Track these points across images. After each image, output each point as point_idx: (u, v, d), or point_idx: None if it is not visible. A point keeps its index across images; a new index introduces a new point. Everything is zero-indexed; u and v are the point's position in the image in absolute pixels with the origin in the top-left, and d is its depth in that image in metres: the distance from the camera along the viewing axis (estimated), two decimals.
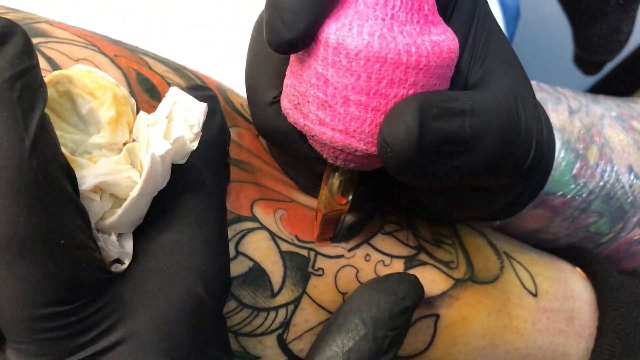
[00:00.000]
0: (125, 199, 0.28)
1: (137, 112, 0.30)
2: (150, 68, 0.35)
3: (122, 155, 0.29)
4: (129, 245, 0.30)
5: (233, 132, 0.36)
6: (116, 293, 0.28)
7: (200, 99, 0.31)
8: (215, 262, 0.29)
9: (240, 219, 0.34)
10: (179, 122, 0.30)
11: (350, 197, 0.33)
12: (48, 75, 0.29)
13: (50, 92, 0.29)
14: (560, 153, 0.40)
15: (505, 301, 0.39)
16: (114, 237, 0.29)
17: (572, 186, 0.41)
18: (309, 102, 0.29)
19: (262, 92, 0.32)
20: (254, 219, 0.34)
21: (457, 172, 0.29)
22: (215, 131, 0.31)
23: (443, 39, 0.28)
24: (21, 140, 0.24)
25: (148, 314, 0.27)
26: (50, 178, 0.25)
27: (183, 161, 0.30)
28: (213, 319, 0.29)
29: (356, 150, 0.29)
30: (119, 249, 0.29)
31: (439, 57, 0.28)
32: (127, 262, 0.29)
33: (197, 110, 0.30)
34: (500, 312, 0.38)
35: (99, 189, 0.29)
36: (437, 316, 0.37)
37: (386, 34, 0.27)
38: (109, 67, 0.34)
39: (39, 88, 0.26)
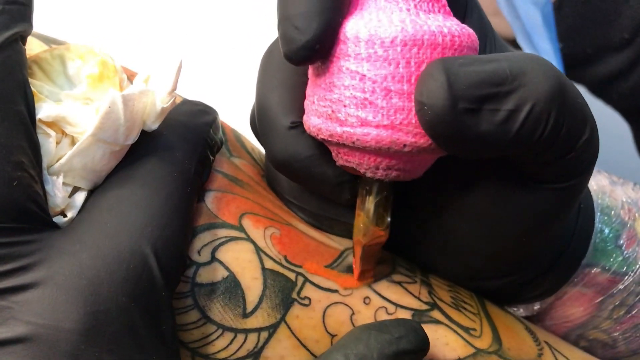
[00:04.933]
0: None
1: None
2: None
3: (92, 108, 0.27)
4: (79, 199, 0.27)
5: (236, 161, 0.34)
6: (47, 237, 0.25)
7: (197, 113, 0.30)
8: (168, 229, 0.26)
9: (224, 224, 0.30)
10: (153, 83, 0.28)
11: (389, 221, 0.30)
12: None
13: (45, 55, 0.29)
14: (599, 219, 0.35)
15: None
16: (60, 180, 0.26)
17: (619, 259, 0.34)
18: (345, 105, 0.27)
19: (279, 119, 0.30)
20: (240, 228, 0.30)
21: (511, 124, 0.25)
22: (200, 124, 0.30)
23: (464, 25, 0.28)
24: None
25: (75, 261, 0.24)
26: (2, 86, 0.25)
27: (155, 126, 0.28)
28: (157, 293, 0.25)
29: (405, 146, 0.27)
30: (64, 194, 0.26)
31: (467, 38, 0.27)
32: (69, 215, 0.26)
33: (170, 68, 0.28)
34: None
35: (58, 129, 0.27)
36: None
37: (416, 20, 0.26)
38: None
39: (23, 21, 0.26)
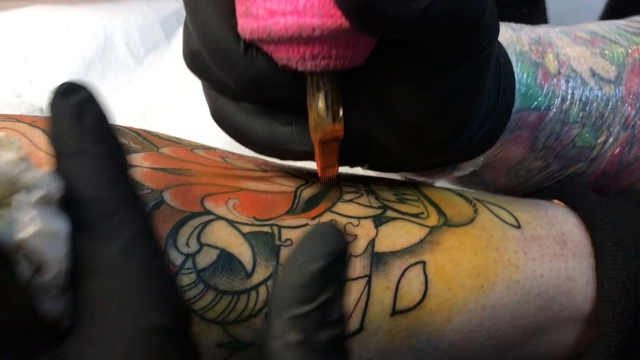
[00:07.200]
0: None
1: None
2: None
3: None
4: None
5: (165, 150, 0.38)
6: (68, 345, 0.25)
7: (78, 112, 0.26)
8: (164, 284, 0.26)
9: (193, 215, 0.34)
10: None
11: (341, 115, 0.32)
12: None
13: None
14: (517, 66, 0.40)
15: (489, 237, 0.38)
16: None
17: (541, 97, 0.41)
18: (255, 1, 0.29)
19: (231, 47, 0.31)
20: (207, 212, 0.35)
21: (419, 3, 0.27)
22: (110, 143, 0.26)
23: None
24: None
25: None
26: None
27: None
28: (177, 346, 0.25)
29: (314, 29, 0.28)
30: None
31: None
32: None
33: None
34: (486, 249, 0.38)
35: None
36: (424, 262, 0.36)
37: None
38: (28, 130, 0.36)
39: None
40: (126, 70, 0.56)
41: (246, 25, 0.30)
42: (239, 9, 0.30)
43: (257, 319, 0.34)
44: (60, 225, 0.25)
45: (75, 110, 0.26)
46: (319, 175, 0.35)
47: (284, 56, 0.31)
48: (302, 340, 0.26)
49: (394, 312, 0.36)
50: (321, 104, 0.32)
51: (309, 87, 0.32)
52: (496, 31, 0.32)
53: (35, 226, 0.24)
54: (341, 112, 0.32)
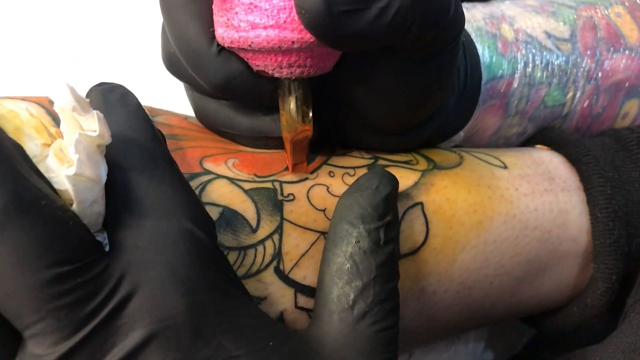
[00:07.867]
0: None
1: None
2: None
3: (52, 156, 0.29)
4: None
5: (159, 119, 0.37)
6: (111, 252, 0.28)
7: (108, 90, 0.32)
8: (191, 199, 0.30)
9: (193, 176, 0.34)
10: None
11: (311, 116, 0.34)
12: None
13: None
14: (478, 41, 0.42)
15: (479, 177, 0.39)
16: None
17: (505, 64, 0.42)
18: (236, 13, 0.30)
19: (205, 48, 0.32)
20: (207, 172, 0.35)
21: (383, 18, 0.29)
22: (134, 106, 0.32)
23: None
24: None
25: (147, 262, 0.27)
26: (10, 150, 0.27)
27: (109, 140, 0.29)
28: (212, 253, 0.29)
29: (293, 42, 0.30)
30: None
31: None
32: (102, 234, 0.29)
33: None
34: (478, 187, 0.38)
35: None
36: (421, 203, 0.37)
37: None
38: (20, 101, 0.35)
39: None
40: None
41: (226, 35, 0.31)
42: (218, 18, 0.32)
43: (266, 273, 0.33)
44: (100, 172, 0.28)
45: (104, 90, 0.32)
46: (290, 170, 0.36)
47: (260, 63, 0.32)
48: (373, 249, 0.32)
49: (399, 256, 0.36)
50: (292, 105, 0.33)
51: (281, 91, 0.33)
52: (463, 21, 0.33)
53: (74, 169, 0.27)
54: (310, 113, 0.34)
